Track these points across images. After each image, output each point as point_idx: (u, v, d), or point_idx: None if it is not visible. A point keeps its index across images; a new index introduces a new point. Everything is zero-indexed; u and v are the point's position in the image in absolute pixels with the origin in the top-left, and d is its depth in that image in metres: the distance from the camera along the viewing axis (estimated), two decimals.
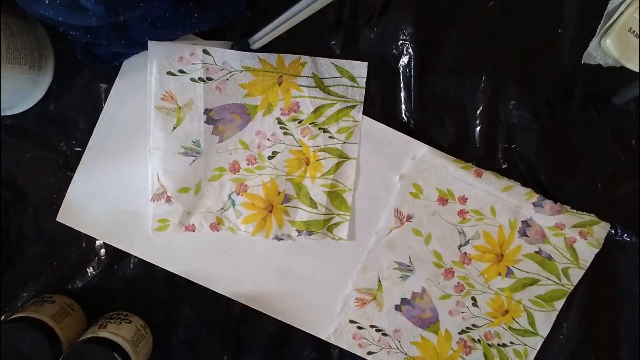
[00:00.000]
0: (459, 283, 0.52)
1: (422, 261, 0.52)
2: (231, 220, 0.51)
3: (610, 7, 0.48)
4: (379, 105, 0.51)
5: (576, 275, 0.51)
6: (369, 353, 0.53)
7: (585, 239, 0.50)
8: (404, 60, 0.50)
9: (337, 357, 0.53)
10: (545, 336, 0.52)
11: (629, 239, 0.52)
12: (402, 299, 0.52)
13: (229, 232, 0.51)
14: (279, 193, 0.51)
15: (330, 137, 0.51)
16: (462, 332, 0.53)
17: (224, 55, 0.49)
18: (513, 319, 0.52)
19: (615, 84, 0.51)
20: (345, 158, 0.51)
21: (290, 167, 0.51)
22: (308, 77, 0.50)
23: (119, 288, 0.52)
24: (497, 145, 0.51)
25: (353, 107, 0.50)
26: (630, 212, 0.52)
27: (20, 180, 0.51)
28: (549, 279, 0.51)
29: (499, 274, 0.52)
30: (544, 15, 0.50)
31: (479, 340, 0.53)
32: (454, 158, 0.51)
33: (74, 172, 0.51)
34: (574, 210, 0.50)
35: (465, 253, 0.52)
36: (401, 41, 0.50)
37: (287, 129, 0.51)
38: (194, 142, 0.50)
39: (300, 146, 0.51)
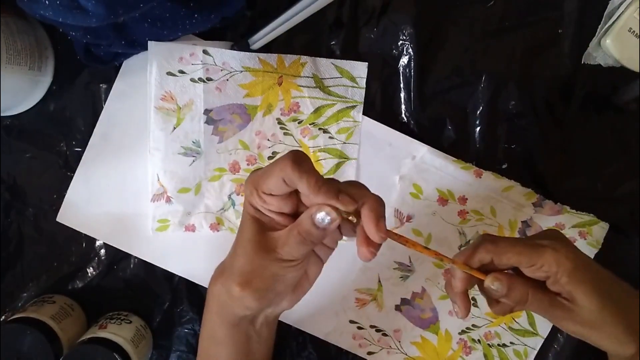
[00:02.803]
0: None
1: (422, 261, 0.52)
2: (231, 221, 0.51)
3: (610, 7, 0.48)
4: (379, 105, 0.51)
5: None
6: (369, 353, 0.53)
7: (585, 239, 0.50)
8: (404, 60, 0.50)
9: (336, 357, 0.53)
10: (545, 336, 0.52)
11: (629, 239, 0.51)
12: (402, 299, 0.52)
13: (229, 232, 0.51)
14: None
15: (330, 137, 0.51)
16: (462, 332, 0.53)
17: (223, 55, 0.49)
18: (513, 319, 0.52)
19: (615, 84, 0.51)
20: (345, 158, 0.51)
21: None
22: (308, 77, 0.50)
23: (119, 288, 0.52)
24: (497, 145, 0.51)
25: (353, 107, 0.50)
26: (630, 212, 0.52)
27: (20, 180, 0.51)
28: None
29: None
30: (544, 15, 0.50)
31: (479, 340, 0.53)
32: (454, 158, 0.51)
33: (74, 172, 0.51)
34: (574, 211, 0.50)
35: None
36: (401, 41, 0.50)
37: (287, 130, 0.51)
38: (194, 142, 0.50)
39: (300, 146, 0.51)
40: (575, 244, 0.51)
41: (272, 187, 0.32)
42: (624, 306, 0.37)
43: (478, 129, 0.51)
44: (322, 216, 0.32)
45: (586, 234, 0.50)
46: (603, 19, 0.49)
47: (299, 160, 0.31)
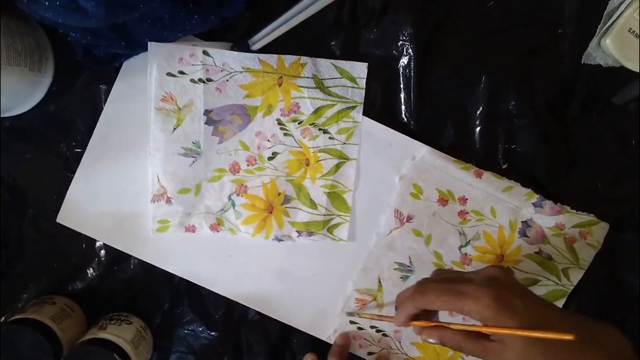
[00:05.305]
0: None
1: (422, 262, 0.52)
2: (231, 221, 0.51)
3: (610, 7, 0.48)
4: (379, 105, 0.51)
5: (576, 275, 0.51)
6: (369, 353, 0.53)
7: (585, 239, 0.50)
8: (404, 60, 0.50)
9: None
10: None
11: (629, 239, 0.51)
12: None
13: (229, 233, 0.51)
14: (279, 194, 0.51)
15: (330, 137, 0.51)
16: None
17: (223, 56, 0.49)
18: None
19: (615, 84, 0.51)
20: (345, 159, 0.51)
21: (290, 168, 0.51)
22: (308, 78, 0.50)
23: (119, 289, 0.52)
24: (497, 145, 0.51)
25: (353, 107, 0.50)
26: (630, 212, 0.52)
27: (20, 181, 0.51)
28: (549, 280, 0.51)
29: None
30: (544, 15, 0.50)
31: None
32: (454, 158, 0.51)
33: (74, 173, 0.51)
34: (574, 211, 0.50)
35: (466, 254, 0.52)
36: (401, 42, 0.50)
37: (287, 130, 0.51)
38: (194, 143, 0.50)
39: (300, 147, 0.51)
40: (575, 244, 0.51)
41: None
42: (553, 346, 0.36)
43: (478, 129, 0.51)
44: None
45: (586, 234, 0.50)
46: (603, 19, 0.49)
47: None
